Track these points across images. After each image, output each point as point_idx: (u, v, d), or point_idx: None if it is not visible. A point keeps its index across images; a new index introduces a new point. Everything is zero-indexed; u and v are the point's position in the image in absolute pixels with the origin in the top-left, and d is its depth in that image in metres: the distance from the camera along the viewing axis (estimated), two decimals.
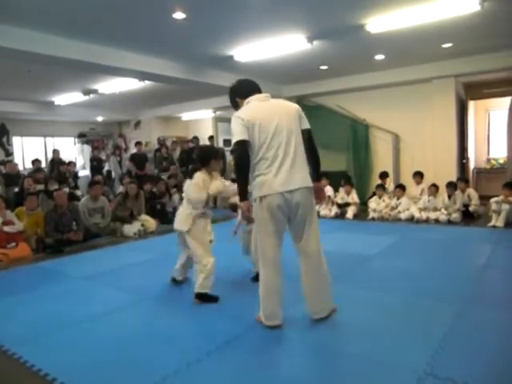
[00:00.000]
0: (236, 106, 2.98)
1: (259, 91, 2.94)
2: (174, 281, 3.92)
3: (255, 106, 2.80)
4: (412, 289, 3.49)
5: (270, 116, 2.72)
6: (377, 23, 5.04)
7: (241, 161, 2.68)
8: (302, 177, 2.70)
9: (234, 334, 2.72)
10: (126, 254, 5.38)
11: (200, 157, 3.51)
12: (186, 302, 3.39)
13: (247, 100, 2.86)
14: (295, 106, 2.88)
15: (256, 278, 3.49)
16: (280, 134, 2.69)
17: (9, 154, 11.12)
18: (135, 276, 4.34)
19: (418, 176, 7.34)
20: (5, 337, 2.84)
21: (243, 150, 2.66)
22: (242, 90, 2.94)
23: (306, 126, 2.87)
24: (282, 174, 2.64)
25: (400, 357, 2.34)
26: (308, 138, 2.85)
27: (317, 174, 2.94)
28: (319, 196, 2.95)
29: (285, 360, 2.41)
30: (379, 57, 6.83)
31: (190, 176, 3.52)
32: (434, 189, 6.89)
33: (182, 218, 3.46)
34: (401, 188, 7.13)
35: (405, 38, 5.74)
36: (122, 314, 3.22)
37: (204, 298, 3.37)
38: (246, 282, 3.83)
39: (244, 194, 2.67)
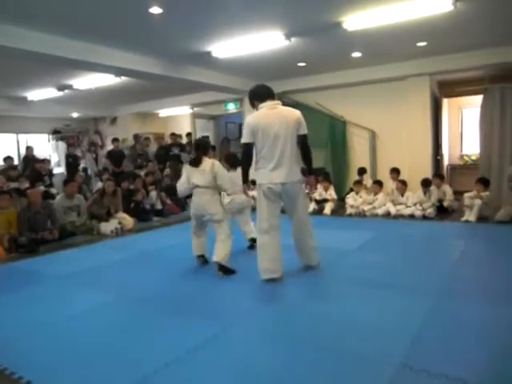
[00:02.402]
0: (253, 105, 3.76)
1: (273, 96, 3.69)
2: (202, 257, 4.31)
3: (263, 114, 3.58)
4: (388, 282, 3.56)
5: (272, 124, 3.51)
6: (353, 21, 5.08)
7: (246, 158, 3.63)
8: (291, 173, 3.56)
9: (213, 332, 2.71)
10: (102, 253, 5.29)
11: (202, 147, 4.15)
12: (164, 301, 3.38)
13: (261, 106, 3.63)
14: (296, 115, 3.61)
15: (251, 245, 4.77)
16: (278, 139, 3.50)
17: None
18: (112, 275, 4.28)
19: (395, 172, 7.47)
20: None
21: (248, 151, 3.60)
22: (259, 95, 3.71)
23: (303, 131, 3.62)
24: (276, 170, 3.53)
25: (376, 350, 2.38)
26: (302, 141, 3.63)
27: (309, 170, 3.76)
28: (310, 185, 3.93)
29: (262, 357, 2.42)
30: (356, 54, 6.90)
31: (197, 163, 4.04)
32: (400, 185, 7.04)
33: (209, 203, 4.00)
34: (378, 184, 7.25)
35: (381, 36, 5.82)
36: (100, 314, 3.18)
37: (226, 270, 3.90)
38: (224, 281, 3.83)
39: (245, 179, 3.67)
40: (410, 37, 5.94)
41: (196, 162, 4.05)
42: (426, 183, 6.83)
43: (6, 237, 5.48)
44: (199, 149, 4.12)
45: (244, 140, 3.58)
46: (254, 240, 4.57)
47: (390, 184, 7.45)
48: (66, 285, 3.97)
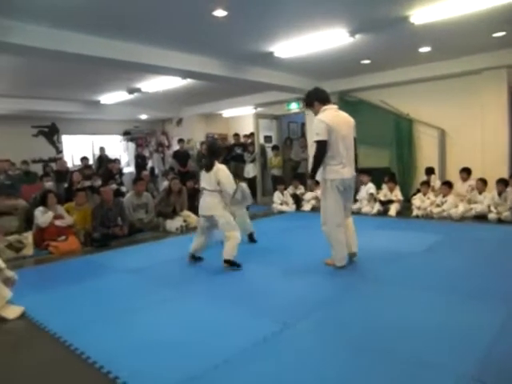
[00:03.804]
0: (310, 105, 4.10)
1: (330, 100, 4.12)
2: (194, 257, 4.58)
3: (332, 115, 3.94)
4: (458, 288, 3.37)
5: (341, 125, 3.93)
6: (421, 14, 4.85)
7: (322, 154, 3.90)
8: (353, 169, 4.06)
9: (274, 330, 2.72)
10: (168, 249, 5.51)
11: (214, 152, 4.34)
12: (228, 298, 3.44)
13: (324, 107, 3.98)
14: (352, 121, 4.11)
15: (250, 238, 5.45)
16: (345, 139, 3.94)
17: (59, 151, 11.64)
18: (176, 270, 4.44)
19: (465, 172, 7.04)
20: (57, 325, 2.98)
21: (324, 148, 3.88)
22: (321, 96, 4.07)
23: (354, 135, 4.12)
24: (345, 166, 3.94)
25: (445, 359, 2.25)
26: (355, 143, 4.13)
27: (356, 168, 4.23)
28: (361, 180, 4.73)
29: (323, 359, 2.38)
30: (424, 49, 6.59)
31: (209, 168, 4.23)
32: (481, 184, 6.60)
33: (213, 206, 4.22)
34: (447, 185, 6.86)
35: (452, 29, 5.50)
36: (163, 308, 3.31)
37: (231, 263, 4.18)
38: (280, 280, 3.83)
39: (314, 175, 4.03)
40: (486, 27, 5.55)
41: (208, 167, 4.26)
42: (501, 184, 6.36)
43: (82, 232, 5.91)
44: (211, 154, 4.35)
45: (321, 137, 3.86)
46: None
47: (459, 185, 7.04)
48: (133, 278, 4.19)
